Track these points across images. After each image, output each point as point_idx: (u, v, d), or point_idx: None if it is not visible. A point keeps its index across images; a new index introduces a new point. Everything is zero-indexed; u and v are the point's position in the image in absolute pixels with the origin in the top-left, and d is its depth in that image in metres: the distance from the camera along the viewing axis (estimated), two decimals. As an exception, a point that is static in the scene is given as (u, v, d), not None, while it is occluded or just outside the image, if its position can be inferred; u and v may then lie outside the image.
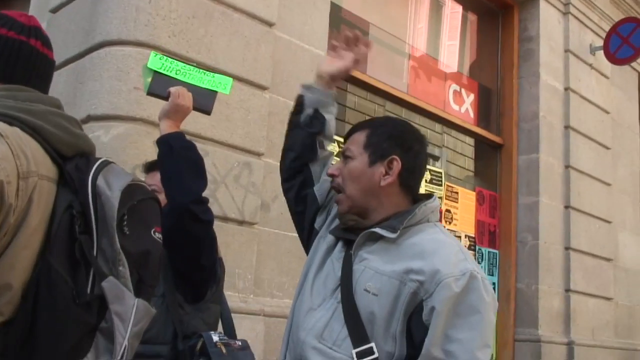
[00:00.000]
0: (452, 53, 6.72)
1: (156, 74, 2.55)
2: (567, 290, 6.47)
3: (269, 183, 4.07)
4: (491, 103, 6.88)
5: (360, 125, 2.10)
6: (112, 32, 3.63)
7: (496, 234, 6.48)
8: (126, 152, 3.47)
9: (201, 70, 2.66)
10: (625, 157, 7.86)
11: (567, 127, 6.83)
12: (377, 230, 1.91)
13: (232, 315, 3.59)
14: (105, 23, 3.66)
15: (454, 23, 6.75)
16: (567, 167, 6.73)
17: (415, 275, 1.80)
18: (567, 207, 6.65)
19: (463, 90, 6.64)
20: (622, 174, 7.72)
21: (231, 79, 2.72)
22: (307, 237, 2.20)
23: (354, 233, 1.97)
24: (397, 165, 1.97)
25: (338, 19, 5.27)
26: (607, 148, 7.34)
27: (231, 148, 3.90)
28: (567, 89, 6.93)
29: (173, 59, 2.62)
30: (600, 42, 7.35)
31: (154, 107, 3.51)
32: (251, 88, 4.04)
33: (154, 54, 2.59)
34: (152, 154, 3.49)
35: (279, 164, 3.97)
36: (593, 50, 7.33)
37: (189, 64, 2.65)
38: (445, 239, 1.93)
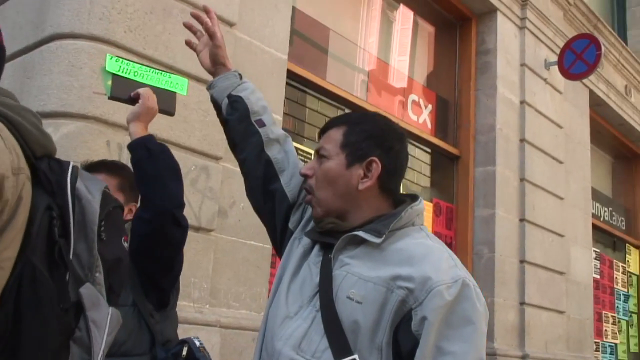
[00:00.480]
0: (410, 63, 6.66)
1: (115, 76, 2.43)
2: (522, 303, 6.44)
3: (226, 188, 3.90)
4: (449, 114, 6.84)
5: (337, 120, 1.94)
6: (64, 24, 3.42)
7: (452, 246, 6.40)
8: (77, 152, 3.26)
9: (157, 71, 2.56)
10: (577, 172, 7.92)
11: (522, 140, 6.84)
12: (361, 234, 1.77)
13: (188, 326, 3.41)
14: (57, 15, 3.45)
15: (404, 40, 6.67)
16: (522, 180, 6.72)
17: (404, 282, 1.66)
18: (522, 220, 6.64)
19: (421, 101, 6.58)
20: (574, 188, 7.77)
21: (186, 80, 2.65)
22: (280, 238, 2.03)
23: (332, 236, 1.82)
24: (376, 167, 1.83)
25: (299, 23, 5.15)
26: (560, 162, 7.37)
27: (188, 151, 3.72)
28: (522, 102, 6.94)
29: (129, 60, 2.50)
30: (554, 58, 7.41)
31: (107, 105, 3.32)
32: (210, 89, 3.86)
33: (109, 56, 2.45)
34: (104, 154, 3.29)
35: (235, 168, 3.82)
36: (548, 65, 7.38)
37: (145, 66, 2.54)
38: (433, 244, 1.80)
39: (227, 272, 3.91)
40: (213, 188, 3.79)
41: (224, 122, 2.10)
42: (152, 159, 2.31)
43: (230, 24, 4.06)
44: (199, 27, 2.20)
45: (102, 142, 3.32)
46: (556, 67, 7.35)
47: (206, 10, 2.16)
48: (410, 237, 1.79)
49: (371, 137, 1.86)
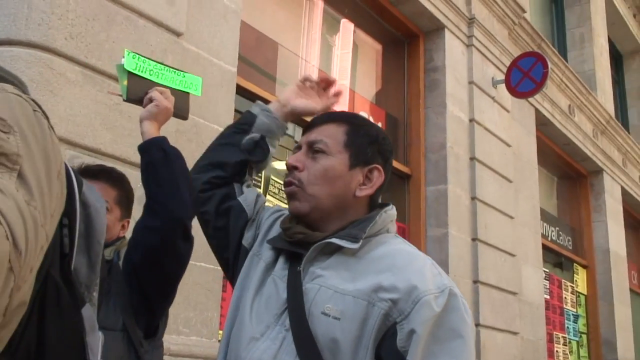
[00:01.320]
0: (359, 80, 6.55)
1: (131, 75, 2.17)
2: (477, 324, 6.32)
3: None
4: (398, 132, 6.74)
5: (335, 116, 1.79)
6: (0, 30, 3.17)
7: (405, 267, 6.26)
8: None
9: (172, 70, 2.30)
10: (525, 191, 7.91)
11: (472, 158, 6.78)
12: (335, 240, 1.59)
13: (135, 354, 3.15)
14: (-9, 20, 3.19)
15: (344, 64, 6.55)
16: (474, 198, 6.65)
17: (387, 293, 1.49)
18: (474, 239, 6.55)
19: (370, 118, 6.46)
20: (523, 207, 7.75)
21: (201, 79, 2.37)
22: (233, 257, 1.83)
23: (301, 247, 1.64)
24: (378, 176, 1.70)
25: (247, 36, 4.97)
26: (510, 181, 7.34)
27: (133, 166, 3.48)
28: (472, 120, 6.90)
29: (144, 57, 2.24)
30: (501, 76, 7.42)
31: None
32: (157, 101, 3.64)
33: (128, 52, 2.19)
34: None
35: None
36: (495, 83, 7.37)
37: (159, 63, 2.28)
38: (414, 251, 1.64)
39: (176, 296, 3.66)
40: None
41: (233, 143, 1.90)
42: (168, 162, 2.08)
43: (178, 34, 3.85)
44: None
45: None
46: (503, 85, 7.35)
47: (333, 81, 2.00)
48: (387, 244, 1.63)
49: (374, 143, 1.73)
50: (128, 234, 2.49)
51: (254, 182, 1.97)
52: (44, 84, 3.11)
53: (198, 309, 3.75)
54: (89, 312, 1.16)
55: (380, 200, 1.79)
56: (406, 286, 1.48)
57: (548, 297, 8.67)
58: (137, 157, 3.49)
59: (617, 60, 13.90)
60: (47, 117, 1.01)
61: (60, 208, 1.01)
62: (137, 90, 2.17)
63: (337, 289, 1.53)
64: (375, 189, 1.69)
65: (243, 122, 1.92)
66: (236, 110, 4.42)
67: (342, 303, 1.51)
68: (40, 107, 1.01)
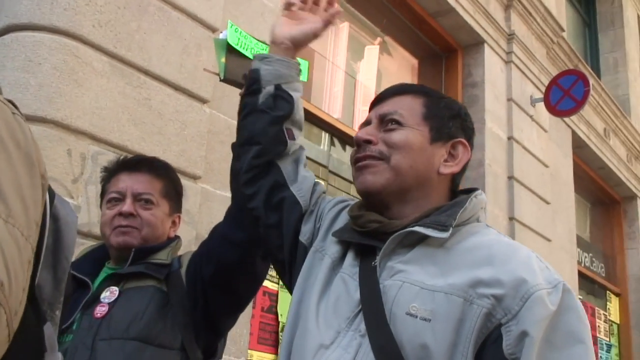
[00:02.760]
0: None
1: (230, 52, 1.88)
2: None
3: (205, 212, 3.39)
4: (434, 149, 6.44)
5: (410, 87, 1.53)
6: (22, 14, 2.91)
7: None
8: (31, 162, 2.73)
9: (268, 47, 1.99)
10: (562, 214, 7.57)
11: (510, 177, 6.46)
12: (419, 229, 1.31)
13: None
14: (14, 3, 2.94)
15: (389, 70, 6.29)
16: (512, 219, 6.33)
17: (488, 288, 1.21)
18: (511, 262, 6.21)
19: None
20: (560, 230, 7.41)
21: (307, 62, 2.01)
22: (289, 257, 1.56)
23: (376, 238, 1.37)
24: (464, 152, 1.46)
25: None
26: (547, 203, 7.01)
27: (162, 168, 3.21)
28: (510, 138, 6.59)
29: (246, 33, 1.94)
30: (539, 94, 7.12)
31: (69, 108, 2.82)
32: (189, 99, 3.38)
33: (231, 24, 1.90)
34: (63, 165, 2.77)
35: (216, 191, 3.31)
36: (534, 101, 7.07)
37: (262, 42, 1.96)
38: (512, 241, 1.36)
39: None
40: (190, 211, 3.26)
41: (253, 107, 1.62)
42: None
43: (213, 29, 3.59)
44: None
45: (61, 150, 2.80)
46: (542, 104, 7.04)
47: None
48: (480, 234, 1.35)
49: (456, 117, 1.48)
50: (181, 232, 2.22)
51: (301, 147, 1.67)
52: (68, 73, 2.86)
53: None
54: (50, 331, 1.06)
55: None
56: (512, 279, 1.21)
57: (582, 326, 8.27)
58: (165, 157, 3.23)
59: (648, 87, 13.57)
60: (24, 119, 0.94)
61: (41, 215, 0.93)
62: (237, 70, 1.88)
63: (425, 285, 1.26)
64: (462, 165, 1.45)
65: (250, 84, 1.64)
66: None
67: (431, 301, 1.23)
68: (17, 108, 0.92)
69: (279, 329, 4.14)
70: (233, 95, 3.63)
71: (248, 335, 3.59)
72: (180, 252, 3.13)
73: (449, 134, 1.45)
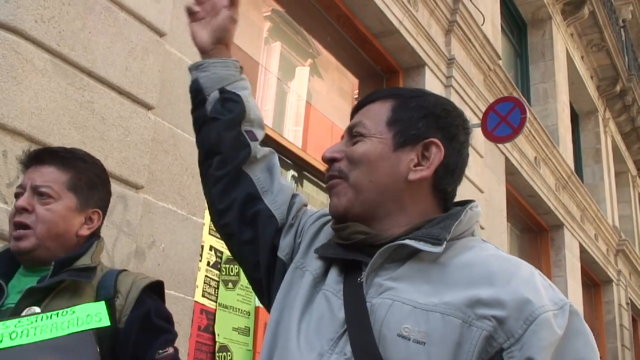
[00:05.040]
0: (333, 111, 6.22)
1: None
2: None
3: (146, 225, 3.21)
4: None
5: (382, 93, 1.40)
6: (-42, 4, 2.71)
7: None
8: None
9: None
10: (495, 240, 7.63)
11: (448, 201, 6.47)
12: (410, 242, 1.20)
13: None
14: (-51, -8, 2.74)
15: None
16: (448, 243, 6.33)
17: (488, 309, 1.10)
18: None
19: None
20: (492, 256, 7.46)
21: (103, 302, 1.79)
22: (266, 275, 1.44)
23: (362, 252, 1.25)
24: (436, 152, 1.30)
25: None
26: (482, 228, 7.05)
27: (103, 175, 3.03)
28: (448, 162, 6.61)
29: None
30: (476, 120, 7.18)
31: (8, 106, 2.63)
32: (133, 104, 3.21)
33: None
34: (-1, 168, 2.57)
35: (158, 202, 3.14)
36: (471, 127, 7.11)
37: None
38: (512, 257, 1.24)
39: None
40: (131, 222, 3.08)
41: (204, 119, 1.51)
42: None
43: (161, 34, 3.44)
44: None
45: (-4, 152, 2.60)
46: (479, 129, 7.11)
47: None
48: (477, 249, 1.23)
49: (430, 115, 1.33)
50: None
51: (271, 151, 1.57)
52: (6, 69, 2.66)
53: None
54: None
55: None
56: (515, 299, 1.10)
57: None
58: (107, 164, 3.05)
59: (573, 119, 13.98)
60: None
61: None
62: None
63: (418, 304, 1.14)
64: (433, 168, 1.30)
65: (194, 96, 1.55)
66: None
67: (425, 322, 1.12)
68: None
69: (215, 349, 3.97)
70: (179, 103, 3.49)
71: (186, 355, 3.41)
72: (116, 263, 2.95)
73: (417, 135, 1.31)
